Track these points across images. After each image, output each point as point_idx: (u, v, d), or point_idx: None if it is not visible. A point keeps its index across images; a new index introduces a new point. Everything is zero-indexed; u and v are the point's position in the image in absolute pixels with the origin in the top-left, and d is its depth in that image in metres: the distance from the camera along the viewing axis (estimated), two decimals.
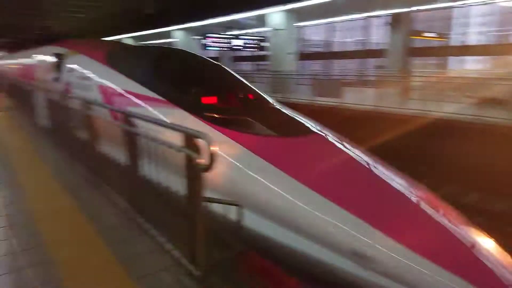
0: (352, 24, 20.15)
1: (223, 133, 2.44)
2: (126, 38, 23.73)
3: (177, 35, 18.57)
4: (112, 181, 3.15)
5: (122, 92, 3.08)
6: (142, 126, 2.26)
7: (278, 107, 3.03)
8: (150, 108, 2.96)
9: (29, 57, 7.47)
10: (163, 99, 2.75)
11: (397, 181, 2.15)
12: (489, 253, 1.67)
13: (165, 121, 2.15)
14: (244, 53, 20.23)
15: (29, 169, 4.40)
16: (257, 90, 3.38)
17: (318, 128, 2.70)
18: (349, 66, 18.67)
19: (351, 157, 2.15)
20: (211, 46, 13.89)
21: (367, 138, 5.15)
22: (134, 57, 3.61)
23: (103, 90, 3.39)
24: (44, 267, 2.35)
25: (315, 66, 21.17)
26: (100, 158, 3.35)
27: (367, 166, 2.16)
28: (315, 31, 22.62)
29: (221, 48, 14.22)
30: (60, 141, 5.08)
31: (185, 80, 2.90)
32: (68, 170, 4.30)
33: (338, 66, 20.18)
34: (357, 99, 9.14)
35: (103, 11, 16.48)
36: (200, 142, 2.09)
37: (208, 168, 1.98)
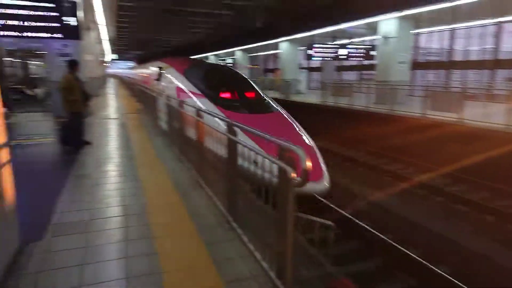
0: (478, 30, 17.24)
1: (221, 111, 4.57)
2: (236, 50, 26.08)
3: (283, 46, 19.33)
4: (214, 183, 3.50)
5: (185, 90, 5.49)
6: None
7: (263, 100, 5.20)
8: (194, 98, 5.28)
9: (147, 68, 10.67)
10: (201, 93, 5.13)
11: (295, 134, 4.32)
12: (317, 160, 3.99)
13: (258, 131, 2.16)
14: (349, 63, 20.37)
15: (148, 165, 5.05)
16: (257, 89, 5.62)
17: (277, 111, 4.88)
18: (473, 77, 16.57)
19: (278, 122, 4.29)
20: (315, 56, 14.03)
21: (494, 165, 4.96)
22: (196, 70, 6.08)
23: (177, 89, 5.92)
24: (150, 258, 2.59)
25: (430, 76, 18.89)
26: (204, 161, 3.82)
27: (283, 127, 4.25)
28: (433, 38, 20.13)
29: (325, 58, 14.24)
30: (173, 141, 5.75)
31: (214, 84, 5.27)
32: (179, 169, 4.82)
33: (459, 77, 17.58)
34: (482, 115, 7.68)
35: (217, 26, 19.38)
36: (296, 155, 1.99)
37: (300, 184, 1.89)
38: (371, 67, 16.21)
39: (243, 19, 16.29)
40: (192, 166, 4.35)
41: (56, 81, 7.18)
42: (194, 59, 9.50)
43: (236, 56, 28.28)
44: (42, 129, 8.04)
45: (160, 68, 8.08)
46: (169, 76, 6.90)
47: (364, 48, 14.52)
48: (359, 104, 11.25)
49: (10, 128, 8.36)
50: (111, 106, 13.54)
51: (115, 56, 47.26)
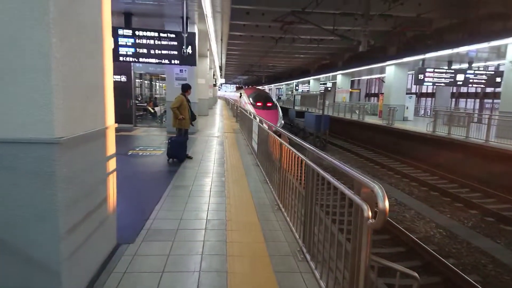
0: None
1: (255, 110, 12.77)
2: (338, 74, 26.00)
3: (389, 70, 18.40)
4: (292, 208, 3.54)
5: (247, 103, 13.97)
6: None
7: (275, 105, 14.11)
8: (248, 106, 13.42)
9: (237, 93, 20.59)
10: (251, 103, 13.93)
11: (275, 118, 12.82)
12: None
13: (342, 164, 2.03)
14: (466, 89, 18.60)
15: (236, 183, 5.22)
16: (273, 100, 14.54)
17: (276, 109, 13.56)
18: None
19: (273, 112, 13.21)
20: (426, 81, 13.38)
21: None
22: (253, 94, 14.82)
23: (244, 103, 14.57)
24: (219, 275, 2.63)
25: None
26: (283, 184, 3.90)
27: (273, 115, 12.97)
28: None
29: (438, 84, 13.63)
30: (261, 162, 5.87)
31: (255, 98, 14.36)
32: (263, 190, 4.88)
33: None
34: None
35: (323, 51, 21.96)
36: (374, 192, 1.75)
37: (376, 227, 1.65)
38: (494, 95, 13.97)
39: (346, 43, 16.73)
40: (274, 188, 4.46)
41: (171, 101, 8.14)
42: (256, 88, 18.65)
43: (336, 80, 27.89)
44: (156, 142, 9.09)
45: (240, 93, 17.96)
46: (243, 96, 16.58)
47: (487, 74, 13.32)
48: (477, 137, 10.23)
49: (131, 139, 9.91)
50: (215, 125, 14.82)
51: (223, 80, 52.63)
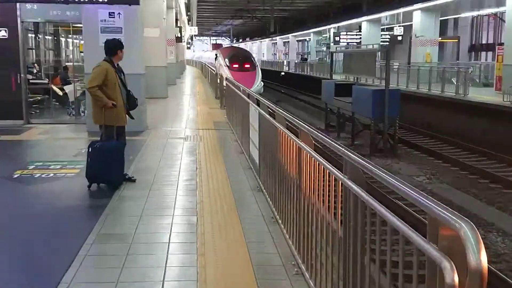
0: None
1: (230, 72, 27.53)
2: (418, 7, 27.38)
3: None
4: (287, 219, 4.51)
5: (222, 65, 29.48)
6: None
7: (254, 67, 29.72)
8: (224, 70, 28.51)
9: (213, 54, 39.59)
10: (226, 65, 29.08)
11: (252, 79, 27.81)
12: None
13: (407, 188, 2.17)
14: None
15: (218, 231, 5.20)
16: (254, 61, 30.72)
17: (255, 70, 29.46)
18: None
19: (250, 74, 28.53)
20: None
21: None
22: (229, 52, 31.68)
23: (218, 66, 30.42)
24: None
25: None
26: (307, 225, 4.13)
27: (250, 77, 27.79)
28: None
29: None
30: (266, 185, 5.97)
31: (232, 59, 29.71)
32: (270, 241, 4.94)
33: None
34: None
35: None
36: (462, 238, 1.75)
37: None
38: None
39: None
40: (290, 235, 4.71)
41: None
42: (236, 47, 37.93)
43: (412, 22, 27.91)
44: (67, 152, 9.20)
45: (216, 54, 32.65)
46: (219, 58, 31.22)
47: None
48: None
49: (20, 149, 9.85)
50: (181, 116, 15.03)
51: (194, 31, 54.26)
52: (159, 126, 12.60)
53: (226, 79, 15.30)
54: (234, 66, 28.64)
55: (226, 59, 29.41)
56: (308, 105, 31.09)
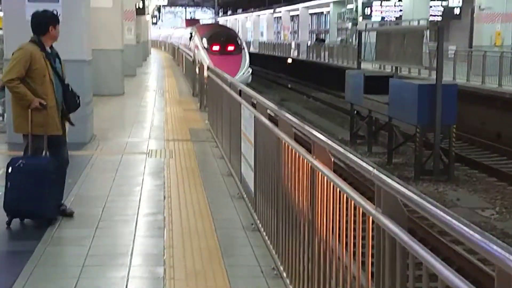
0: None
1: (209, 56, 32.55)
2: None
3: None
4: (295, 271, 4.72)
5: (199, 47, 34.21)
6: None
7: (240, 50, 34.55)
8: (202, 52, 33.77)
9: (189, 33, 41.88)
10: (204, 48, 33.81)
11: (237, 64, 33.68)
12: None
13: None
14: None
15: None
16: (238, 42, 35.42)
17: (240, 53, 34.49)
18: None
19: (233, 58, 33.56)
20: None
21: None
22: (208, 31, 36.54)
23: (195, 47, 35.43)
24: None
25: None
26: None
27: (236, 62, 32.94)
28: None
29: None
30: (264, 222, 6.07)
31: (210, 39, 34.33)
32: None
33: None
34: None
35: None
36: None
37: None
38: None
39: None
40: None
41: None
42: (216, 24, 53.76)
43: None
44: None
45: (191, 33, 37.73)
46: (195, 37, 35.82)
47: None
48: None
49: None
50: (143, 122, 15.12)
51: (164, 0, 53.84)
52: (112, 136, 12.64)
53: (208, 68, 15.29)
54: (214, 48, 32.29)
55: (204, 39, 33.06)
56: (325, 106, 31.58)
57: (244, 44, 35.46)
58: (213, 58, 29.65)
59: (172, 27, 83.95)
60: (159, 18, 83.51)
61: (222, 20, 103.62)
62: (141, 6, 33.93)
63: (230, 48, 32.93)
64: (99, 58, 17.53)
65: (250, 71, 31.80)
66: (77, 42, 11.06)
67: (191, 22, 65.75)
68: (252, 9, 79.94)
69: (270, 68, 57.42)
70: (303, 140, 4.95)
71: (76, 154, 10.17)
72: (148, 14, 49.15)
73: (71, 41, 9.83)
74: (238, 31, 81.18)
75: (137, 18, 31.69)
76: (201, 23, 51.33)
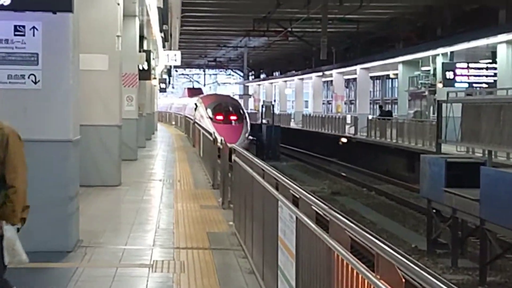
0: None
1: (213, 125, 55.72)
2: None
3: None
4: None
5: (204, 117, 60.20)
6: None
7: (242, 119, 61.80)
8: (206, 122, 58.14)
9: (194, 103, 70.26)
10: (209, 117, 59.23)
11: (239, 130, 61.41)
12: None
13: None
14: None
15: None
16: (241, 112, 62.27)
17: (242, 123, 61.89)
18: None
19: (236, 127, 61.15)
20: None
21: None
22: (212, 102, 63.69)
23: (200, 116, 61.43)
24: None
25: None
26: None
27: (237, 130, 60.50)
28: None
29: None
30: None
31: (215, 109, 60.82)
32: None
33: None
34: None
35: None
36: None
37: None
38: None
39: None
40: None
41: None
42: (219, 95, 74.15)
43: None
44: None
45: (196, 104, 64.64)
46: (199, 108, 62.91)
47: None
48: None
49: None
50: (146, 222, 15.21)
51: (177, 60, 57.73)
52: (104, 241, 12.65)
53: (234, 151, 15.37)
54: (218, 117, 49.46)
55: (208, 109, 49.94)
56: (393, 203, 31.53)
57: (246, 114, 50.08)
58: (217, 127, 45.94)
59: (174, 97, 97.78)
60: (169, 83, 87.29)
61: (254, 85, 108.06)
62: (145, 68, 34.05)
63: (233, 117, 51.38)
64: (90, 136, 17.78)
65: (250, 140, 45.01)
66: (61, 116, 11.14)
67: (194, 92, 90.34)
68: (294, 72, 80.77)
69: (318, 150, 58.05)
70: (363, 251, 4.91)
71: (54, 266, 10.24)
72: (155, 78, 50.42)
73: (52, 115, 9.92)
74: (275, 100, 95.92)
75: (140, 84, 31.95)
76: (205, 94, 74.99)
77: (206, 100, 48.88)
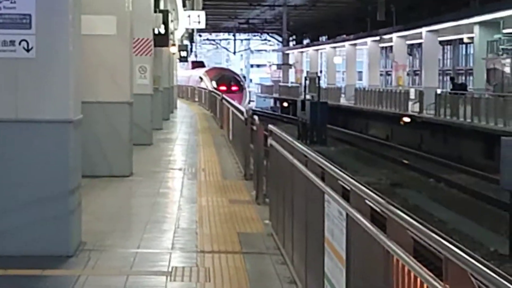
0: None
1: (218, 92, 79.72)
2: None
3: None
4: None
5: (208, 87, 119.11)
6: None
7: (242, 89, 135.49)
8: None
9: (198, 76, 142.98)
10: (214, 88, 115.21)
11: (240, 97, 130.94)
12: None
13: None
14: None
15: None
16: (241, 83, 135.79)
17: (243, 92, 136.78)
18: None
19: (237, 96, 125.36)
20: None
21: None
22: (215, 74, 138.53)
23: (203, 88, 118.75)
24: None
25: None
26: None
27: (239, 97, 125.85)
28: None
29: None
30: None
31: (219, 81, 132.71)
32: None
33: None
34: None
35: None
36: None
37: None
38: None
39: None
40: None
41: None
42: (220, 68, 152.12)
43: None
44: None
45: (200, 77, 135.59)
46: (204, 80, 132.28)
47: None
48: None
49: None
50: (162, 221, 15.31)
51: (200, 22, 58.53)
52: (111, 244, 12.72)
53: (271, 133, 15.35)
54: (221, 88, 60.37)
55: (213, 81, 64.40)
56: (466, 196, 31.70)
57: (246, 84, 60.20)
58: None
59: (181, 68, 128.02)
60: (191, 51, 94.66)
61: (295, 53, 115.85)
62: (162, 32, 33.85)
63: (235, 88, 65.52)
64: (94, 116, 17.87)
65: (250, 106, 55.49)
66: (59, 91, 11.13)
67: (197, 64, 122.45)
68: (344, 36, 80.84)
69: (374, 133, 57.69)
70: (428, 256, 4.91)
71: (51, 274, 10.29)
72: (173, 45, 49.69)
73: (48, 90, 9.99)
74: (321, 71, 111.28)
75: (156, 52, 31.91)
76: (208, 68, 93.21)
77: (211, 73, 64.59)
